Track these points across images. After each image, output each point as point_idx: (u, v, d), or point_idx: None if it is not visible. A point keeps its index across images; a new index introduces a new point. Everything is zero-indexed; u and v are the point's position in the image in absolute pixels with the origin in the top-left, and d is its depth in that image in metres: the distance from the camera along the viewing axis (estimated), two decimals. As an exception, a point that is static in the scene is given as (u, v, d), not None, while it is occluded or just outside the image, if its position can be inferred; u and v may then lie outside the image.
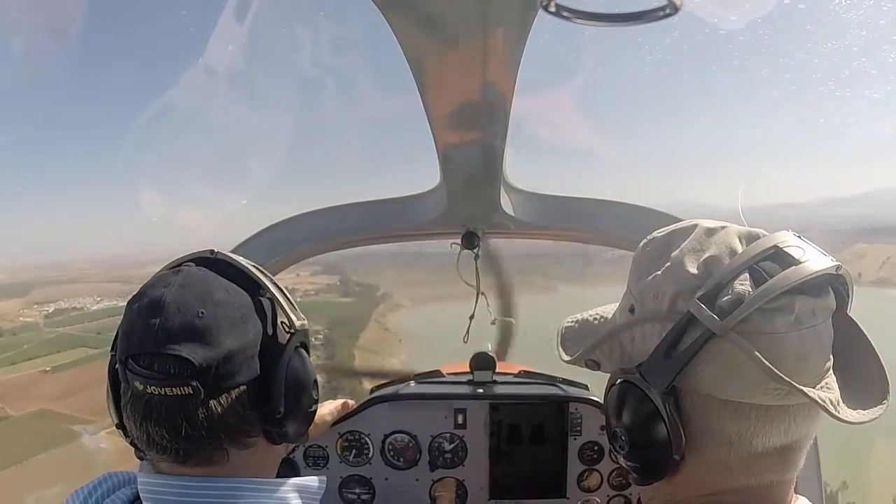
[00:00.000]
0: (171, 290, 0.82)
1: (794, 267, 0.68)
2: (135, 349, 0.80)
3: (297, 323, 0.93)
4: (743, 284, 0.68)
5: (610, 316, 0.88)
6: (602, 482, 1.76)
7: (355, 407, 1.71)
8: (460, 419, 1.73)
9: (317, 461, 1.76)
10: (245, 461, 0.87)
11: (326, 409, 1.67)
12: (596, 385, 1.74)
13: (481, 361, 1.80)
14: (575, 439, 1.74)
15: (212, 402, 0.80)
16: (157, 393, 0.79)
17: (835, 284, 0.73)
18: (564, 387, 1.79)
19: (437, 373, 1.89)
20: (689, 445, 0.72)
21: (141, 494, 0.85)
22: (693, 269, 0.72)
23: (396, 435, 1.74)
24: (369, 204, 1.82)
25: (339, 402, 1.73)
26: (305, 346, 0.96)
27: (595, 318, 0.91)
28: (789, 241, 0.71)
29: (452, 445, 1.75)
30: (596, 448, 1.75)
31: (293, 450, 1.73)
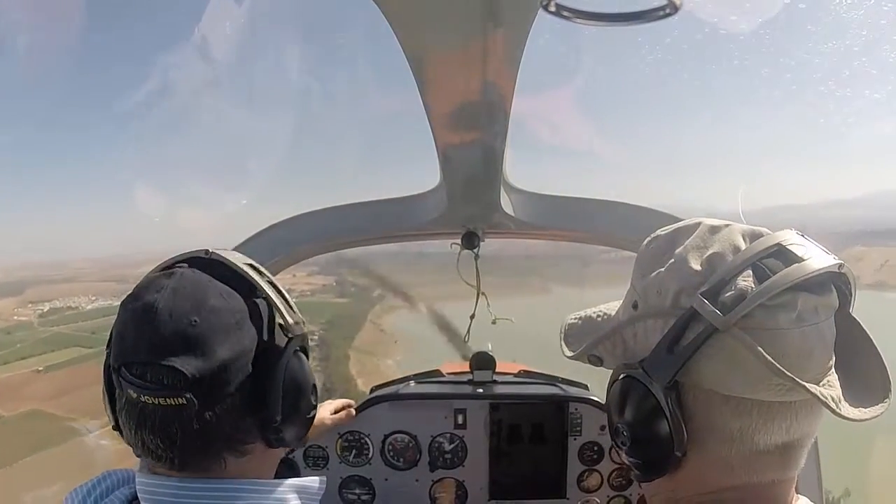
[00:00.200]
0: (164, 296, 0.80)
1: (797, 264, 0.68)
2: (128, 357, 0.79)
3: (295, 327, 0.90)
4: (746, 281, 0.68)
5: (613, 313, 0.88)
6: (602, 482, 1.76)
7: (356, 407, 1.71)
8: (460, 419, 1.73)
9: (317, 461, 1.76)
10: (243, 467, 0.86)
11: (326, 409, 1.66)
12: (596, 385, 1.74)
13: (481, 361, 1.80)
14: (575, 439, 1.75)
15: (207, 413, 0.79)
16: (151, 402, 0.77)
17: (837, 283, 0.73)
18: (564, 387, 1.79)
19: (436, 373, 1.89)
20: (691, 441, 0.72)
21: (139, 494, 0.84)
22: (696, 266, 0.72)
23: (396, 435, 1.74)
24: (369, 204, 1.81)
25: (340, 402, 1.72)
26: (305, 350, 0.94)
27: (598, 315, 0.91)
28: (792, 240, 0.71)
29: (452, 445, 1.75)
30: (596, 448, 1.75)
31: (293, 450, 1.73)
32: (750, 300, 0.66)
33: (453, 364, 2.00)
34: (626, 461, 0.81)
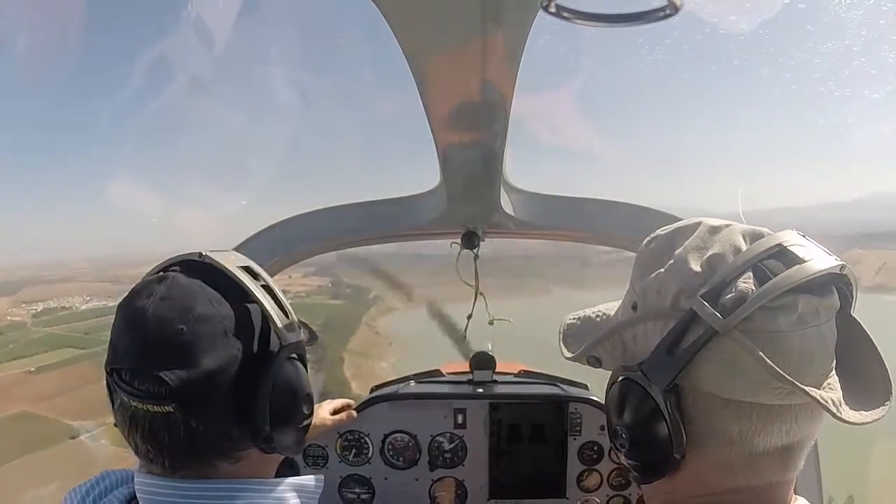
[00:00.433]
0: (153, 302, 0.79)
1: (798, 266, 0.68)
2: (119, 363, 0.79)
3: (289, 334, 0.88)
4: (746, 282, 0.68)
5: (612, 313, 0.88)
6: (602, 482, 1.76)
7: (356, 407, 1.71)
8: (460, 419, 1.73)
9: (316, 461, 1.75)
10: (238, 471, 0.86)
11: (326, 409, 1.66)
12: (596, 385, 1.75)
13: (481, 361, 1.80)
14: (575, 439, 1.75)
15: (192, 422, 0.79)
16: (140, 408, 0.78)
17: (838, 284, 0.73)
18: (564, 386, 1.79)
19: (436, 372, 1.89)
20: (691, 444, 0.72)
21: (137, 494, 0.84)
22: (696, 267, 0.72)
23: (396, 434, 1.74)
24: (369, 204, 1.81)
25: (340, 401, 1.72)
26: (302, 358, 0.92)
27: (597, 316, 0.90)
28: (793, 240, 0.71)
29: (452, 445, 1.75)
30: (596, 448, 1.75)
31: None
32: (750, 303, 0.66)
33: (453, 364, 2.00)
34: (624, 463, 0.81)
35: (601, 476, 1.76)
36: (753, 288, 0.67)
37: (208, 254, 0.88)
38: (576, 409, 1.74)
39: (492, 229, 1.73)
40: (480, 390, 1.76)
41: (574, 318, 0.93)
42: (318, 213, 1.83)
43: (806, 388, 0.65)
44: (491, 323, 1.87)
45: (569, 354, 0.88)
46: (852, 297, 0.75)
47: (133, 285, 0.86)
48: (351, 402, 1.73)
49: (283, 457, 0.97)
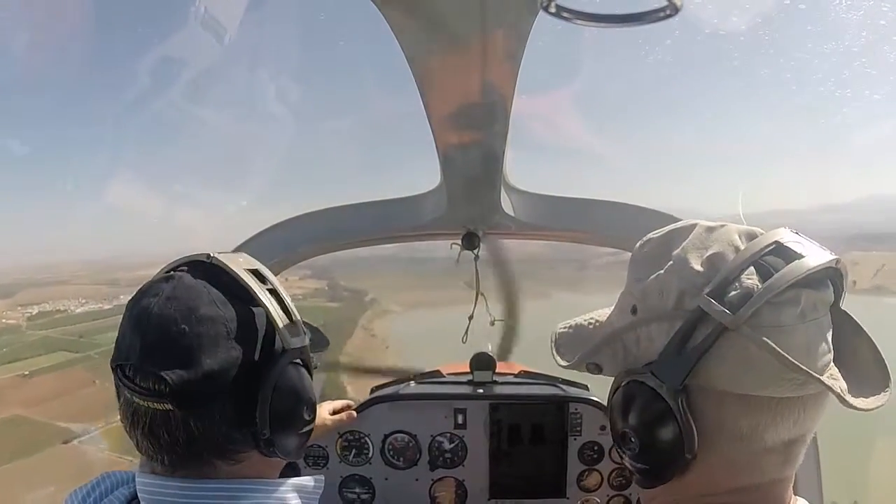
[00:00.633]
0: (158, 302, 0.80)
1: (797, 261, 0.69)
2: (123, 359, 0.80)
3: (294, 339, 0.87)
4: (750, 279, 0.69)
5: (605, 319, 0.88)
6: (602, 482, 1.77)
7: (356, 407, 1.71)
8: (460, 419, 1.74)
9: (317, 461, 1.75)
10: (238, 472, 0.86)
11: (326, 409, 1.66)
12: (596, 385, 1.75)
13: (481, 361, 1.80)
14: (575, 439, 1.75)
15: (192, 421, 0.79)
16: (142, 404, 0.79)
17: (833, 278, 0.74)
18: (564, 387, 1.79)
19: (437, 373, 1.89)
20: (701, 443, 0.72)
21: (139, 494, 0.84)
22: (698, 266, 0.72)
23: (396, 435, 1.74)
24: (369, 205, 1.82)
25: (340, 402, 1.72)
26: (306, 363, 0.91)
27: (590, 323, 0.90)
28: (789, 237, 0.72)
29: (452, 445, 1.75)
30: (596, 448, 1.76)
31: None
32: (757, 298, 0.67)
33: (453, 364, 2.00)
34: (631, 467, 0.80)
35: (601, 476, 1.76)
36: (758, 284, 0.68)
37: (216, 255, 0.89)
38: (576, 409, 1.74)
39: (492, 230, 1.73)
40: (481, 391, 1.76)
41: (565, 327, 0.93)
42: (319, 213, 1.83)
43: (820, 377, 0.67)
44: (492, 324, 1.87)
45: (564, 363, 0.87)
46: (843, 290, 0.76)
47: (129, 288, 0.86)
48: (351, 402, 1.73)
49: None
